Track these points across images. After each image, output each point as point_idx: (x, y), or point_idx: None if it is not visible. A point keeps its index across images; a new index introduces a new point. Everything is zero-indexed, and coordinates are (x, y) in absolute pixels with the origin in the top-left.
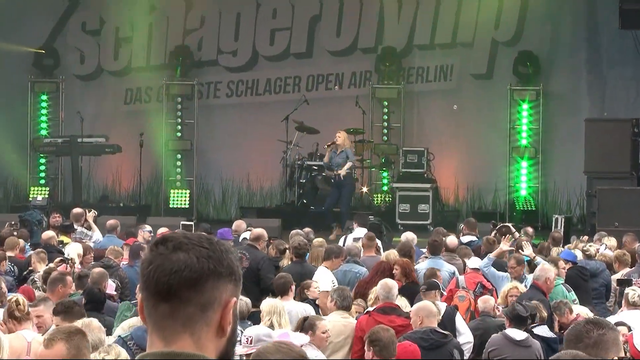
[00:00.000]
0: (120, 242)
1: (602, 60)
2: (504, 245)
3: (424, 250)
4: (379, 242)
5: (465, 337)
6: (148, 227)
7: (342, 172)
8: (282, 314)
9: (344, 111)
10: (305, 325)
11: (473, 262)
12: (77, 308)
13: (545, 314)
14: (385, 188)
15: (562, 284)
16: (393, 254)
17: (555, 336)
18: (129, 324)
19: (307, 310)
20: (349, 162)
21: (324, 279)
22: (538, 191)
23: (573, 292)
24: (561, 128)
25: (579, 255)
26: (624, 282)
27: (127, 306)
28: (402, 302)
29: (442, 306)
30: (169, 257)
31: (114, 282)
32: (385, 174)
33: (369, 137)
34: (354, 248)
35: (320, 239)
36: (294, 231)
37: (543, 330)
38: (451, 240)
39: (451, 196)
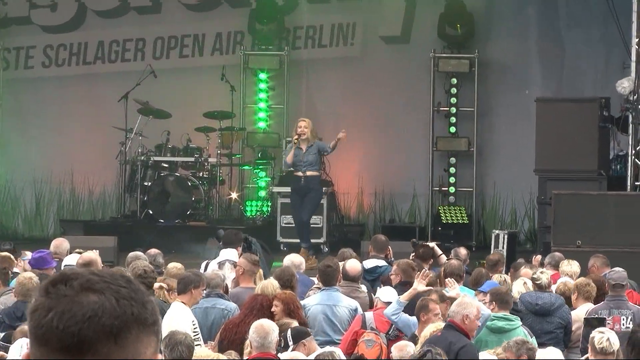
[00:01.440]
0: None
1: (559, 18)
2: (419, 285)
3: (316, 279)
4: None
5: None
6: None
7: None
8: None
9: (206, 87)
10: None
11: (386, 293)
12: None
13: None
14: (262, 193)
15: (522, 325)
16: (272, 285)
17: None
18: None
19: None
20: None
21: (180, 319)
22: (472, 197)
23: (535, 338)
24: (504, 111)
25: (530, 285)
26: (596, 322)
27: None
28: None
29: (338, 354)
30: (77, 299)
31: None
32: (262, 174)
33: (240, 123)
34: (215, 277)
35: (177, 264)
36: (133, 253)
37: None
38: (352, 265)
39: (353, 205)
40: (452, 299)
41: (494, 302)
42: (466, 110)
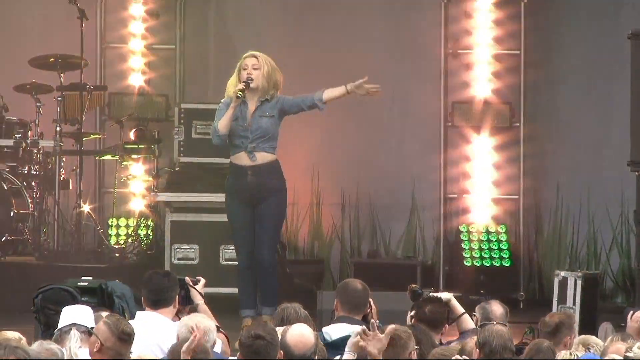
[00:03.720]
0: None
1: None
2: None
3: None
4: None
5: None
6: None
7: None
8: None
9: (35, 13)
10: None
11: None
12: None
13: None
14: (137, 205)
15: None
16: None
17: None
18: None
19: None
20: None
21: None
22: (519, 212)
23: None
24: (574, 56)
25: None
26: None
27: None
28: None
29: None
30: None
31: None
32: (137, 169)
33: (97, 78)
34: (49, 356)
35: (12, 334)
36: None
37: None
38: (298, 335)
39: (303, 224)
40: None
41: None
42: (507, 53)
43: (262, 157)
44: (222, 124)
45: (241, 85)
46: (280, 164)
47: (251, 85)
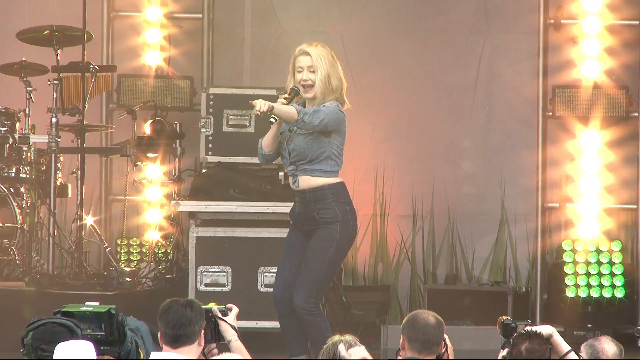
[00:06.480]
0: None
1: None
2: None
3: None
4: None
5: None
6: None
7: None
8: None
9: None
10: None
11: None
12: None
13: None
14: (153, 216)
15: None
16: None
17: None
18: None
19: None
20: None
21: None
22: (637, 227)
23: None
24: None
25: None
26: None
27: None
28: None
29: None
30: None
31: None
32: (153, 171)
33: (103, 57)
34: None
35: None
36: None
37: None
38: None
39: (364, 240)
40: None
41: None
42: (623, 24)
43: (306, 182)
44: (266, 141)
45: (281, 99)
46: (334, 188)
47: (304, 94)
